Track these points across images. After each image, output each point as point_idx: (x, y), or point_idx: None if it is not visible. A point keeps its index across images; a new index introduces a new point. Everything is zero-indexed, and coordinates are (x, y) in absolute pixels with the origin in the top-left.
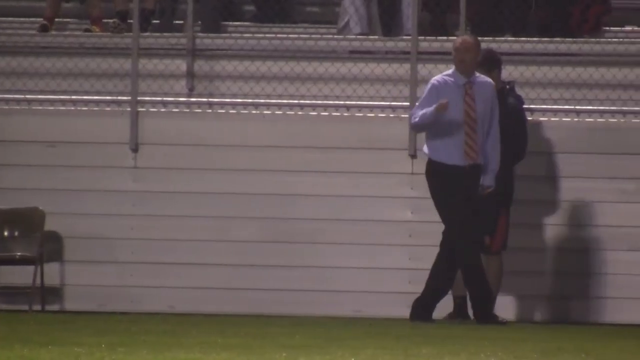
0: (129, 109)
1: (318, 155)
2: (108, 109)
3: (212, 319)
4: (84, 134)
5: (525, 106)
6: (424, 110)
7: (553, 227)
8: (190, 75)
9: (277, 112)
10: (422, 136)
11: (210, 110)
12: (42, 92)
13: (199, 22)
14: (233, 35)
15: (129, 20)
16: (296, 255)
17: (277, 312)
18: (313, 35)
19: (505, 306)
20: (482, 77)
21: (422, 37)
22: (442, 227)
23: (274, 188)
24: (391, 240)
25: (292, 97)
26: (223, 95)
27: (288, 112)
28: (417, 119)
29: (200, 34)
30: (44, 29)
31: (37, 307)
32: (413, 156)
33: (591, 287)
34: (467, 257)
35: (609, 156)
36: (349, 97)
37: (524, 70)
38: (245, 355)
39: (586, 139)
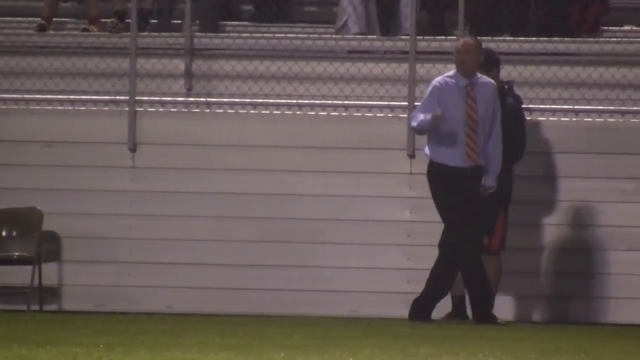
0: (126, 109)
1: (316, 155)
2: (106, 108)
3: (211, 319)
4: (82, 134)
5: (523, 106)
6: (422, 117)
7: (551, 227)
8: (188, 75)
9: (275, 112)
10: (422, 136)
11: (208, 110)
12: (40, 91)
13: (197, 21)
14: (231, 34)
15: (126, 20)
16: (294, 255)
17: (276, 312)
18: (311, 35)
19: (503, 306)
20: (483, 78)
21: (421, 37)
22: (440, 227)
23: (272, 188)
24: (390, 240)
25: (290, 97)
26: (221, 95)
27: (286, 112)
28: (415, 124)
29: (198, 34)
30: (41, 28)
31: (35, 307)
32: (411, 156)
33: (590, 287)
34: (467, 258)
35: (607, 156)
36: (347, 97)
37: (523, 70)
38: (243, 355)
39: (585, 139)
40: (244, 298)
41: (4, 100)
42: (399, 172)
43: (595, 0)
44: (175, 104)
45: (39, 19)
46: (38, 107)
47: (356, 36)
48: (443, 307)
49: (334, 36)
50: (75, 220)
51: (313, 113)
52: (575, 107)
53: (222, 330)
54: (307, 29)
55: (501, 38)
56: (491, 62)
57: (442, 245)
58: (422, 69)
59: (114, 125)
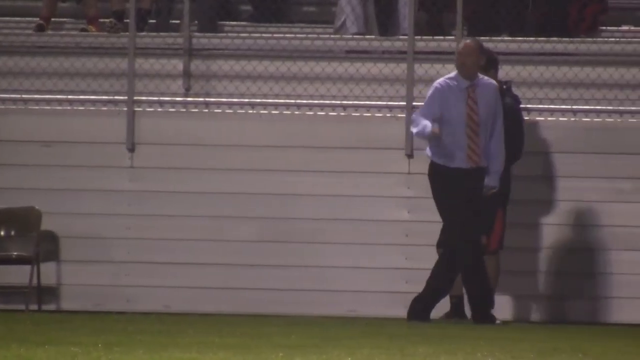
0: (125, 109)
1: (315, 155)
2: (104, 108)
3: (209, 318)
4: (81, 134)
5: (522, 106)
6: (422, 126)
7: (549, 227)
8: (187, 75)
9: (273, 112)
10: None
11: (206, 110)
12: (38, 91)
13: (196, 21)
14: (230, 34)
15: (125, 20)
16: (292, 255)
17: (274, 311)
18: (310, 35)
19: (502, 306)
20: (485, 79)
21: (419, 37)
22: (438, 227)
23: (270, 188)
24: (388, 239)
25: (288, 97)
26: (220, 95)
27: (285, 112)
28: (415, 131)
29: (196, 34)
30: (40, 28)
31: (34, 307)
32: (410, 156)
33: (588, 287)
34: (467, 259)
35: (605, 156)
36: (345, 97)
37: (521, 70)
38: (241, 355)
39: (583, 139)
40: (242, 298)
41: (3, 100)
42: (397, 172)
43: (593, 0)
44: (173, 104)
45: (38, 19)
46: (36, 107)
47: (354, 36)
48: (441, 306)
49: (332, 36)
50: (74, 220)
51: (311, 113)
52: (574, 107)
53: (220, 330)
54: (306, 29)
55: (499, 38)
56: (489, 62)
57: (440, 245)
58: (420, 69)
59: (112, 125)
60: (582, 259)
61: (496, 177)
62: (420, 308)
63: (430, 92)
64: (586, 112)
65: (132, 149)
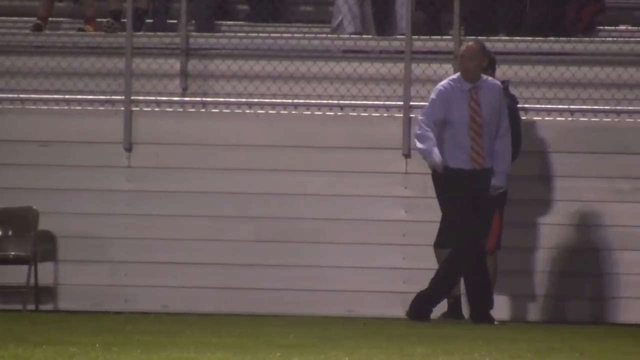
0: (122, 109)
1: (312, 155)
2: (102, 108)
3: (207, 318)
4: (78, 134)
5: (519, 106)
6: (427, 145)
7: (547, 226)
8: (184, 74)
9: (270, 112)
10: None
11: (204, 110)
12: (35, 91)
13: (193, 21)
14: (227, 34)
15: (122, 20)
16: (290, 255)
17: (272, 311)
18: (307, 35)
19: (499, 306)
20: (489, 80)
21: (416, 37)
22: (436, 226)
23: (268, 187)
24: (385, 239)
25: (285, 96)
26: (217, 95)
27: (282, 112)
28: (422, 147)
29: (194, 34)
30: (37, 28)
31: (31, 307)
32: (407, 155)
33: (586, 287)
34: (468, 259)
35: (603, 156)
36: (342, 97)
37: (518, 70)
38: (239, 355)
39: (580, 139)
40: (240, 298)
41: (0, 100)
42: (394, 171)
43: (590, 0)
44: (171, 103)
45: (35, 18)
46: (34, 107)
47: (352, 36)
48: (439, 306)
49: (329, 36)
50: (71, 219)
51: (309, 113)
52: (571, 106)
53: (219, 329)
54: (303, 29)
55: (497, 38)
56: (487, 62)
57: (437, 245)
58: (417, 68)
59: (109, 125)
60: (580, 258)
61: (502, 177)
62: (422, 306)
63: (433, 94)
64: (584, 112)
65: (129, 149)
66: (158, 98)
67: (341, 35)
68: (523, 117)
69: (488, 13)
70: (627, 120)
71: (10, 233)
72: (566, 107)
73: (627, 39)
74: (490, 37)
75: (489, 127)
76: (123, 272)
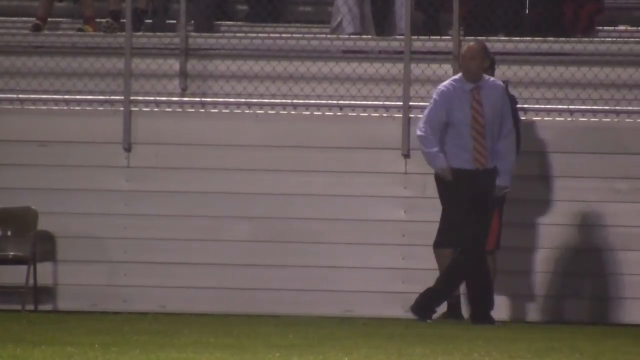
0: (121, 109)
1: (311, 155)
2: (101, 108)
3: (205, 318)
4: (77, 134)
5: (518, 106)
6: (434, 153)
7: (546, 226)
8: (183, 74)
9: (269, 112)
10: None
11: (203, 110)
12: (34, 91)
13: (192, 21)
14: (226, 34)
15: (121, 20)
16: (289, 255)
17: (270, 311)
18: (306, 35)
19: (498, 306)
20: (491, 80)
21: (415, 37)
22: (435, 227)
23: (267, 188)
24: (384, 239)
25: (285, 96)
26: (216, 95)
27: (281, 112)
28: (427, 152)
29: (193, 34)
30: (36, 28)
31: (30, 307)
32: (406, 156)
33: (585, 287)
34: (470, 260)
35: (602, 156)
36: (342, 97)
37: (517, 70)
38: (238, 355)
39: (580, 139)
40: (238, 298)
41: None
42: (393, 171)
43: (589, 0)
44: (170, 103)
45: (34, 18)
46: (33, 107)
47: (351, 36)
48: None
49: (328, 36)
50: (70, 220)
51: (308, 113)
52: (570, 107)
53: (217, 330)
54: (302, 29)
55: (496, 38)
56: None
57: (437, 245)
58: (416, 68)
59: (109, 125)
60: (579, 259)
61: (507, 177)
62: (426, 303)
63: (435, 95)
64: (583, 112)
65: (128, 149)
66: (157, 98)
67: (340, 36)
68: (522, 117)
69: (487, 13)
70: (626, 120)
71: (9, 233)
72: (565, 107)
73: (626, 39)
74: (490, 37)
75: (491, 127)
76: (122, 272)
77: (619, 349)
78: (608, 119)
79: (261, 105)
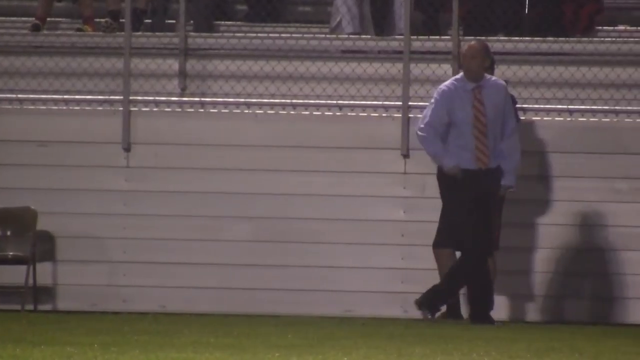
0: (121, 109)
1: (310, 155)
2: (100, 108)
3: (205, 318)
4: (76, 134)
5: (518, 106)
6: (439, 149)
7: (545, 226)
8: (183, 74)
9: (269, 112)
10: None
11: (202, 110)
12: (34, 91)
13: (191, 21)
14: (225, 34)
15: (121, 20)
16: (288, 255)
17: (270, 311)
18: (305, 35)
19: (498, 306)
20: (493, 80)
21: (415, 37)
22: (434, 227)
23: (266, 188)
24: (384, 239)
25: (284, 96)
26: (215, 95)
27: (280, 112)
28: (427, 143)
29: (192, 34)
30: (36, 28)
31: (30, 307)
32: (406, 156)
33: (585, 287)
34: (470, 260)
35: (601, 156)
36: (341, 97)
37: (517, 70)
38: (237, 355)
39: (579, 139)
40: (238, 298)
41: None
42: (393, 171)
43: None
44: (169, 103)
45: (33, 18)
46: (32, 107)
47: (350, 36)
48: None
49: (327, 36)
50: (70, 219)
51: (307, 113)
52: (570, 107)
53: (217, 330)
54: (301, 29)
55: (495, 38)
56: None
57: (436, 245)
58: (416, 68)
59: (108, 125)
60: (579, 258)
61: (512, 176)
62: (431, 300)
63: (435, 95)
64: (582, 112)
65: (128, 149)
66: (156, 98)
67: (340, 36)
68: (522, 117)
69: (486, 13)
70: (626, 120)
71: (8, 233)
72: (565, 107)
73: (625, 39)
74: (489, 37)
75: (493, 126)
76: (121, 272)
77: (619, 349)
78: (607, 119)
79: (260, 105)
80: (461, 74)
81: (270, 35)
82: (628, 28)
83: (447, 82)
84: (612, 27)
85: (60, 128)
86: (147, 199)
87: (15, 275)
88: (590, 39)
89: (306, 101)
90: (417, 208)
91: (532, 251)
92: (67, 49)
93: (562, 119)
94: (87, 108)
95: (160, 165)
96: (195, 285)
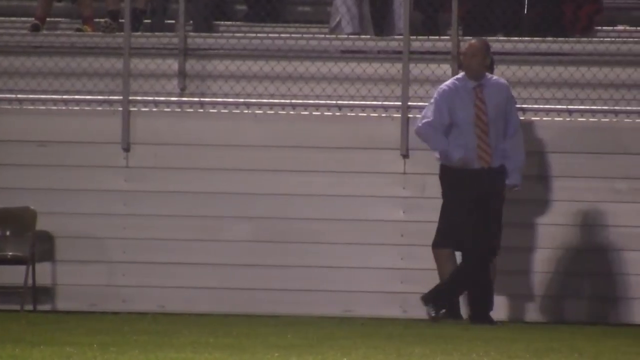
0: (120, 109)
1: (310, 155)
2: (100, 108)
3: (204, 318)
4: (76, 134)
5: (517, 106)
6: (442, 144)
7: (545, 226)
8: (182, 74)
9: (268, 112)
10: (416, 136)
11: (202, 110)
12: (33, 91)
13: (191, 21)
14: (225, 34)
15: (120, 20)
16: (288, 255)
17: (269, 311)
18: (305, 35)
19: (497, 306)
20: (494, 79)
21: (414, 37)
22: (434, 227)
23: (265, 188)
24: (383, 240)
25: (283, 96)
26: (215, 95)
27: (280, 112)
28: (432, 140)
29: (191, 34)
30: (35, 28)
31: (29, 307)
32: (405, 156)
33: (584, 287)
34: (470, 260)
35: (601, 156)
36: (340, 97)
37: (516, 70)
38: (237, 355)
39: (578, 139)
40: (237, 298)
41: None
42: (392, 172)
43: (588, 0)
44: (168, 103)
45: (33, 18)
46: (32, 107)
47: (349, 36)
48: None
49: (327, 36)
50: (69, 220)
51: (306, 113)
52: (569, 107)
53: (216, 330)
54: (301, 29)
55: (494, 38)
56: None
57: (436, 245)
58: (415, 68)
59: (107, 125)
60: (578, 259)
61: (518, 175)
62: (436, 296)
63: (435, 95)
64: (582, 112)
65: (127, 149)
66: (156, 98)
67: (339, 36)
68: (521, 118)
69: (486, 13)
70: (625, 120)
71: (8, 233)
72: (564, 107)
73: (625, 39)
74: (488, 37)
75: (494, 125)
76: (121, 272)
77: (619, 349)
78: (607, 119)
79: (260, 106)
80: (462, 73)
81: (270, 35)
82: (627, 28)
83: (447, 82)
84: (611, 27)
85: (59, 128)
86: (146, 199)
87: (14, 275)
88: (590, 39)
89: (305, 101)
90: (416, 208)
91: (532, 251)
92: (66, 49)
93: (561, 119)
94: (86, 108)
95: (160, 166)
96: (195, 286)
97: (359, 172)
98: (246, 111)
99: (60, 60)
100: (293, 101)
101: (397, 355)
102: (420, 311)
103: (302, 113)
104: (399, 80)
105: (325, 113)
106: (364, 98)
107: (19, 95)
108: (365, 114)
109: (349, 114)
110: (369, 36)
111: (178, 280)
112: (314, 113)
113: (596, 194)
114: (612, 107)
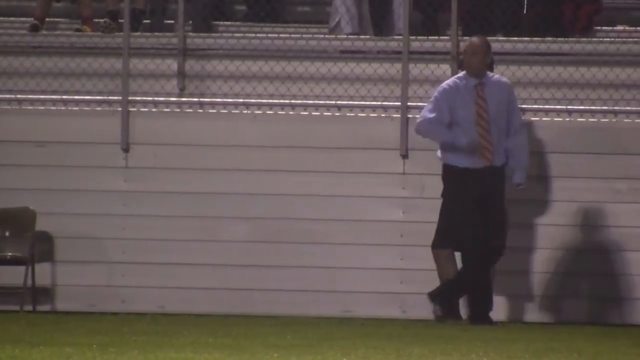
0: (119, 109)
1: (309, 155)
2: (99, 108)
3: (204, 319)
4: (75, 134)
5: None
6: (448, 136)
7: (544, 227)
8: (181, 75)
9: (268, 112)
10: (415, 136)
11: (201, 110)
12: (32, 91)
13: (190, 21)
14: (224, 35)
15: (119, 20)
16: (287, 255)
17: (269, 312)
18: (304, 35)
19: (497, 306)
20: (495, 77)
21: (414, 37)
22: (434, 227)
23: (265, 188)
24: (383, 240)
25: (283, 97)
26: (214, 95)
27: (279, 112)
28: (436, 134)
29: (191, 34)
30: (34, 28)
31: (28, 308)
32: (404, 156)
33: (584, 287)
34: (471, 260)
35: (600, 156)
36: (340, 97)
37: (516, 70)
38: (236, 355)
39: (578, 139)
40: (237, 298)
41: None
42: (392, 172)
43: (587, 0)
44: (168, 104)
45: (32, 18)
46: (31, 107)
47: (349, 36)
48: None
49: (326, 36)
50: (69, 220)
51: (306, 113)
52: (568, 107)
53: (215, 330)
54: (300, 29)
55: (494, 38)
56: None
57: (435, 245)
58: (415, 69)
59: (107, 126)
60: (578, 259)
61: (522, 173)
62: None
63: (436, 94)
64: (581, 112)
65: (126, 149)
66: (155, 98)
67: (338, 36)
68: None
69: (485, 13)
70: (625, 120)
71: (7, 234)
72: (564, 107)
73: (624, 39)
74: (488, 37)
75: (496, 124)
76: (120, 272)
77: (618, 349)
78: (606, 119)
79: (259, 106)
80: (463, 72)
81: (269, 35)
82: (627, 28)
83: (448, 81)
84: (610, 28)
85: (59, 128)
86: (146, 199)
87: (14, 275)
88: (589, 39)
89: (305, 101)
90: (416, 208)
91: (532, 251)
92: (65, 49)
93: (561, 119)
94: (85, 108)
95: (159, 166)
96: (194, 286)
97: (358, 173)
98: (245, 111)
99: (60, 61)
100: (292, 101)
101: (397, 355)
102: (420, 311)
103: (302, 113)
104: (398, 81)
105: (325, 113)
106: (363, 98)
107: (18, 96)
108: (364, 114)
109: (348, 114)
110: (368, 36)
111: (177, 281)
112: (313, 113)
113: (596, 194)
114: (611, 108)
